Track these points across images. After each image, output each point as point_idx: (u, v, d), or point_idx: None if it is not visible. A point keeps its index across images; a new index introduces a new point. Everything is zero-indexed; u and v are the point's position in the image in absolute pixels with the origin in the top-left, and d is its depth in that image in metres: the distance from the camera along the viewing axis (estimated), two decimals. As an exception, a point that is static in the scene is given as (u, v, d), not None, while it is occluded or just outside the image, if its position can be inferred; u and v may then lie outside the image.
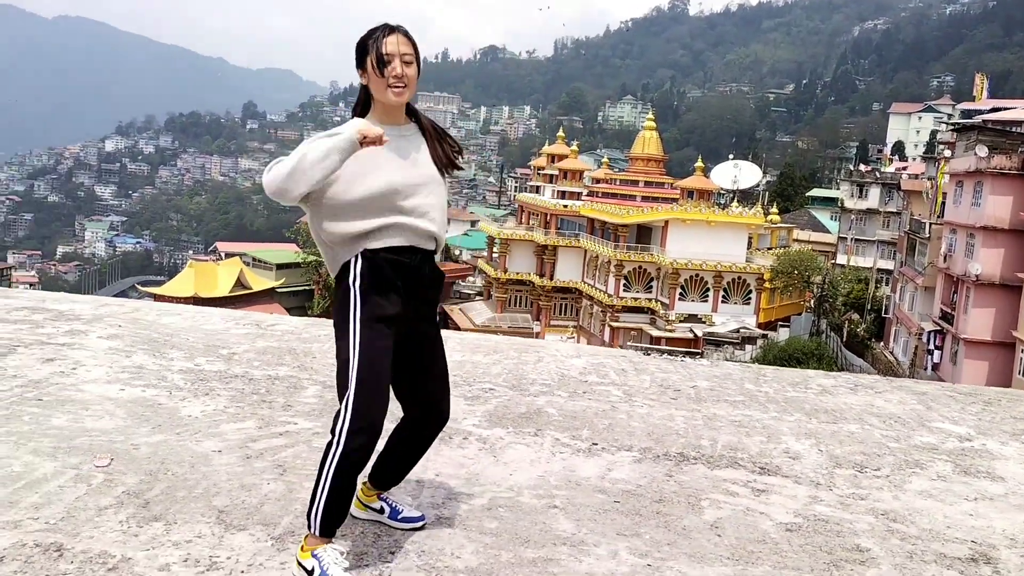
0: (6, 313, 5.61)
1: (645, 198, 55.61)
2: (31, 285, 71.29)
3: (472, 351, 5.55)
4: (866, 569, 2.86)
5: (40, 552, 2.50)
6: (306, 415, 4.00)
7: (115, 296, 16.92)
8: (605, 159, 75.83)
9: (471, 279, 66.88)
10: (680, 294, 49.82)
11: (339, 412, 2.49)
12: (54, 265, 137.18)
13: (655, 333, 48.35)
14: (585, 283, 54.89)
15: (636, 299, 51.22)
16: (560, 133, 66.53)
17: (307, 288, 58.99)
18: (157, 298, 45.33)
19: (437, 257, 2.72)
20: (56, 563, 2.45)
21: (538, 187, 61.58)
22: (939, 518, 3.36)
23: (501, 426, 4.06)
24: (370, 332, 2.51)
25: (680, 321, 49.02)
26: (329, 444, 2.49)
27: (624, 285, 51.25)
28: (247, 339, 5.42)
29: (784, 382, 5.46)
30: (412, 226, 2.58)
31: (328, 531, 2.51)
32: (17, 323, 5.35)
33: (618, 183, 59.36)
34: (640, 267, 51.26)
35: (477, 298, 62.09)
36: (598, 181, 60.82)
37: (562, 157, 60.55)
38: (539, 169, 62.64)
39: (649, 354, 5.94)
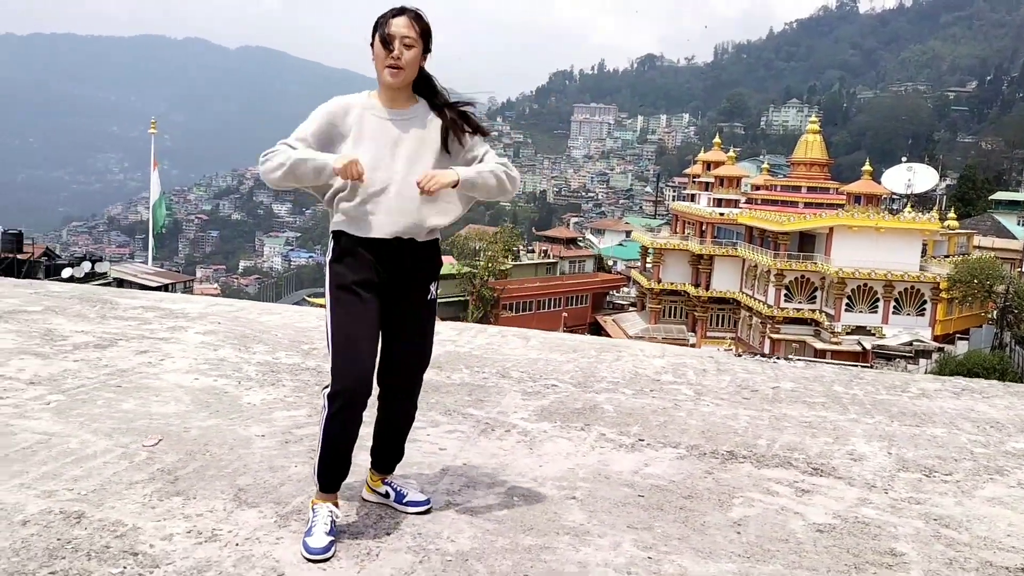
0: (123, 311, 6.07)
1: (808, 204, 53.41)
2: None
3: (550, 350, 5.53)
4: (892, 574, 2.64)
5: (61, 519, 2.70)
6: (358, 405, 4.09)
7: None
8: (765, 165, 73.33)
9: (625, 290, 66.28)
10: (847, 305, 47.43)
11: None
12: (236, 279, 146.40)
13: (819, 346, 46.20)
14: (743, 293, 53.21)
15: (798, 310, 49.20)
16: (716, 139, 64.81)
17: (462, 299, 60.20)
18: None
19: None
20: (72, 529, 2.64)
21: (693, 195, 60.37)
22: (1001, 526, 3.06)
23: (549, 421, 4.02)
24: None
25: (847, 333, 46.63)
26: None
27: (785, 295, 49.35)
28: (332, 336, 5.61)
29: (880, 385, 5.12)
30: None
31: (325, 487, 2.72)
32: (129, 320, 5.78)
33: (779, 189, 57.26)
34: (802, 276, 49.25)
35: (631, 309, 61.50)
36: (757, 188, 58.90)
37: (718, 164, 59.04)
38: (694, 177, 61.36)
39: (740, 355, 5.72)
